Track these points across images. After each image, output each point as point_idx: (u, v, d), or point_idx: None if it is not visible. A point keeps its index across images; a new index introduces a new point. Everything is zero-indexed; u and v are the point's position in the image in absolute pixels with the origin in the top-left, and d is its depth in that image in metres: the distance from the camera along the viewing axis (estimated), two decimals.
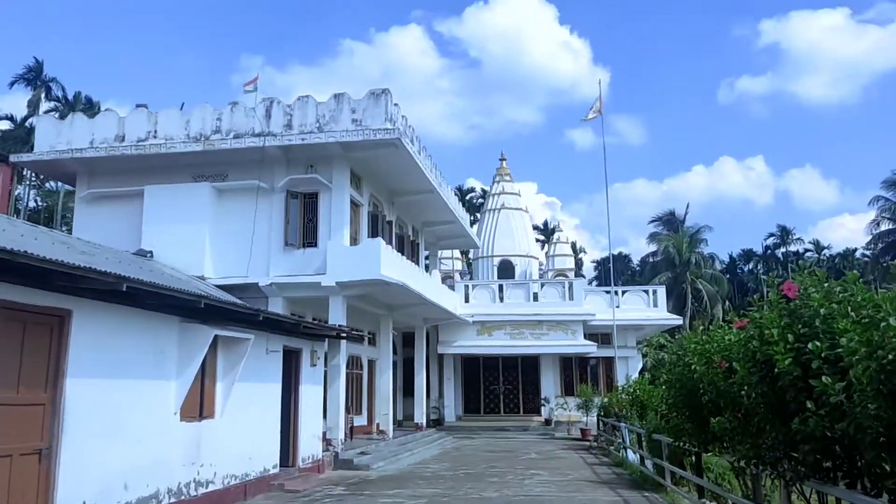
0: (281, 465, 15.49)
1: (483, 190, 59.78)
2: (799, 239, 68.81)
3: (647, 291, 32.66)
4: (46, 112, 29.99)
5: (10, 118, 38.17)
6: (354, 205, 20.60)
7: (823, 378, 4.47)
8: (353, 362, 23.91)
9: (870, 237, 54.17)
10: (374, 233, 20.37)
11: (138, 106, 19.25)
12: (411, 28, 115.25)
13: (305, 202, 19.30)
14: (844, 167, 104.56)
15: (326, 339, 18.03)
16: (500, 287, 30.61)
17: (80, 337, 9.59)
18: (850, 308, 4.66)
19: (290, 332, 15.40)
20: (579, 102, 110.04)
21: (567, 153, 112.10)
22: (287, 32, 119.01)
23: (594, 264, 77.53)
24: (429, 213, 26.87)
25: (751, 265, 74.48)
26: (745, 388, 6.16)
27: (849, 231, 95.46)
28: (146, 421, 10.95)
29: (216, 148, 18.49)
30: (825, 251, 67.73)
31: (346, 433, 20.73)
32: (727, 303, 62.99)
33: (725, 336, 7.66)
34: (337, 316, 18.35)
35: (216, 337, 12.49)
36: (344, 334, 17.89)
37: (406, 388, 28.97)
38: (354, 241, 19.46)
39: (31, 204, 40.95)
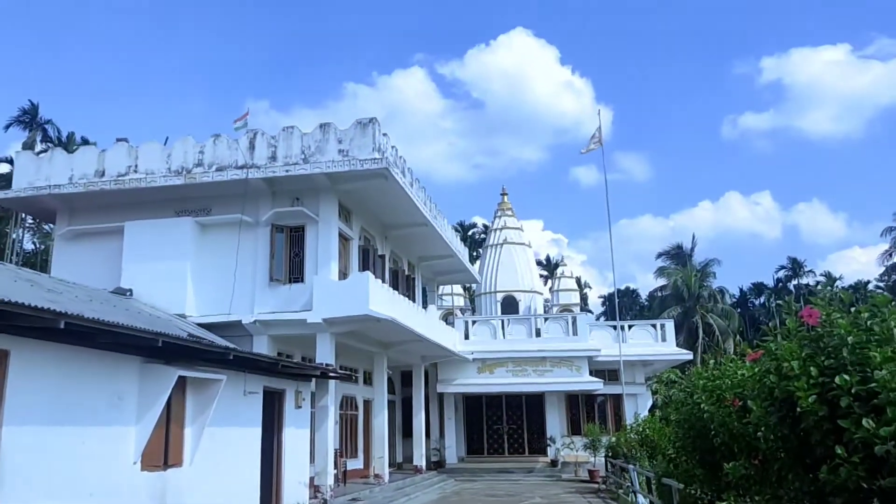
0: None
1: (485, 226, 58.80)
2: (811, 271, 67.49)
3: (654, 326, 31.43)
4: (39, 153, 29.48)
5: (9, 160, 37.82)
6: (344, 238, 19.76)
7: (864, 421, 3.44)
8: (348, 403, 22.85)
9: (882, 269, 52.83)
10: (364, 267, 19.46)
11: (119, 140, 18.55)
12: (413, 71, 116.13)
13: (291, 236, 18.49)
14: (852, 200, 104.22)
15: (313, 380, 17.05)
16: (502, 323, 29.53)
17: (20, 380, 8.65)
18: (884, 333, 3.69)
19: (270, 371, 14.43)
20: (583, 141, 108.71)
21: (572, 191, 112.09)
22: (291, 77, 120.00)
23: (601, 300, 76.24)
24: (424, 247, 26.01)
25: (762, 299, 73.05)
26: (762, 429, 5.15)
27: (859, 264, 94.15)
28: (100, 472, 9.95)
29: (198, 181, 17.74)
30: (837, 283, 66.26)
31: (338, 478, 19.58)
32: (738, 337, 61.69)
33: (738, 370, 6.78)
34: (325, 354, 17.37)
35: (183, 378, 11.53)
36: (332, 373, 16.87)
37: (405, 428, 27.79)
38: (344, 275, 18.57)
39: (29, 246, 40.38)
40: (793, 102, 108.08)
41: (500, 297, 35.98)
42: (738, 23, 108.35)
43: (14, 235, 35.68)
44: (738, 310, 65.84)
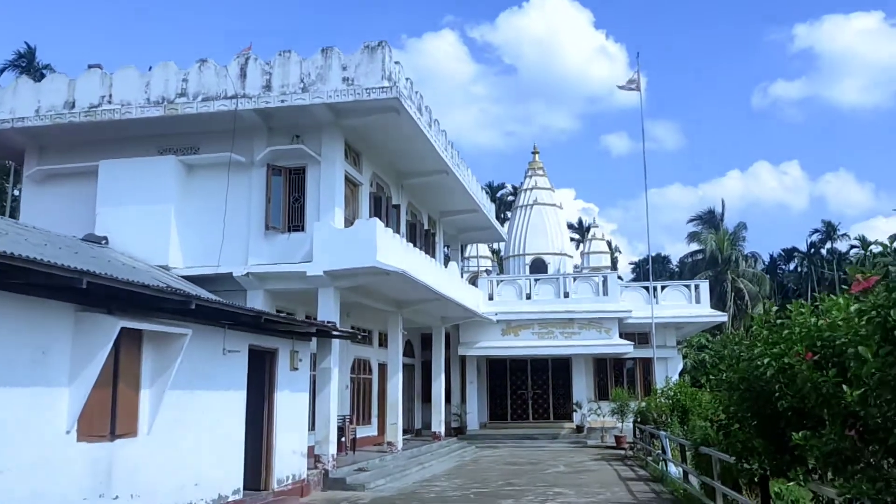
0: (249, 489, 12.14)
1: (514, 187, 56.01)
2: (845, 234, 63.58)
3: (688, 287, 28.92)
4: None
5: None
6: (351, 184, 17.32)
7: None
8: (361, 366, 20.70)
9: None
10: (376, 217, 16.93)
11: (91, 66, 16.08)
12: (444, 34, 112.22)
13: (291, 178, 16.09)
14: (879, 171, 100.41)
15: (314, 339, 14.72)
16: (529, 283, 27.10)
17: None
18: None
19: (257, 328, 12.04)
20: (616, 109, 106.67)
21: (603, 159, 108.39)
22: (319, 39, 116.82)
23: (631, 266, 73.64)
24: (445, 199, 23.56)
25: (793, 265, 69.43)
26: (877, 389, 4.04)
27: (882, 233, 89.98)
28: (19, 441, 7.64)
29: (179, 113, 15.34)
30: (871, 247, 62.34)
31: (346, 446, 17.35)
32: (768, 303, 58.78)
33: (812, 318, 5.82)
34: (327, 311, 15.04)
35: (135, 332, 9.16)
36: (334, 332, 14.49)
37: (425, 393, 25.67)
38: (350, 224, 16.07)
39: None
40: (824, 71, 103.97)
41: (528, 259, 33.76)
42: None
43: None
44: (768, 276, 62.63)
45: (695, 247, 59.71)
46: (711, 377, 34.07)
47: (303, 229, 15.75)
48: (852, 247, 62.44)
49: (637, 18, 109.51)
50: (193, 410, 10.49)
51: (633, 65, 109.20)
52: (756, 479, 8.01)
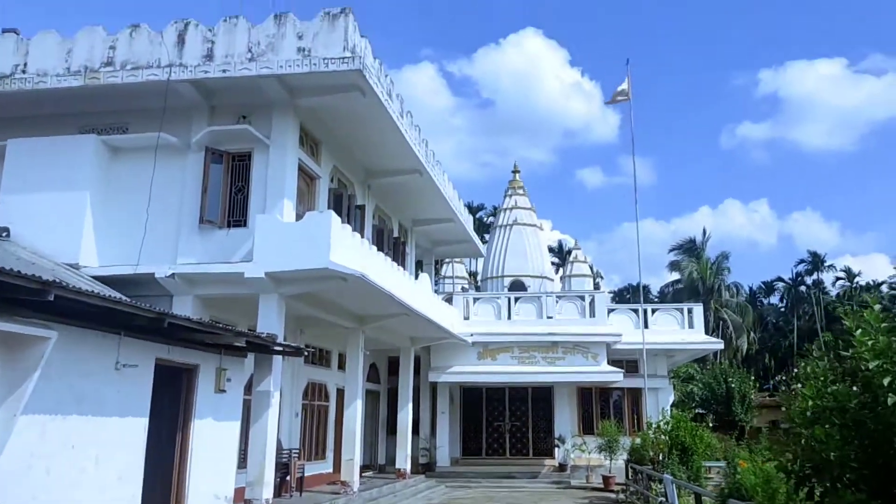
0: None
1: (494, 207, 54.10)
2: (831, 266, 62.06)
3: (680, 311, 26.83)
4: None
5: None
6: (307, 175, 15.01)
7: None
8: (316, 391, 18.24)
9: None
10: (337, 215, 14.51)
11: (6, 31, 13.57)
12: (423, 66, 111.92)
13: (233, 165, 13.73)
14: (844, 211, 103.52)
15: (252, 356, 12.14)
16: (508, 301, 24.84)
17: None
18: None
19: (168, 336, 9.45)
20: (591, 143, 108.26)
21: (578, 193, 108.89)
22: None
23: (611, 294, 71.94)
24: (418, 204, 21.39)
25: (774, 298, 67.89)
26: None
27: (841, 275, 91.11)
28: None
29: (102, 83, 12.92)
30: (856, 279, 60.82)
31: (289, 487, 14.63)
32: (751, 335, 57.04)
33: None
34: (269, 322, 12.55)
35: None
36: (275, 347, 11.95)
37: (391, 424, 23.07)
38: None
39: None
40: (789, 114, 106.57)
41: (507, 281, 31.67)
42: (738, 34, 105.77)
43: None
44: (750, 307, 60.99)
45: (676, 276, 58.35)
46: (700, 410, 31.58)
47: (245, 224, 13.34)
48: (837, 279, 61.07)
49: (610, 59, 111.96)
50: (65, 443, 7.83)
51: (607, 98, 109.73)
52: None
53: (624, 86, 24.31)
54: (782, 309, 66.53)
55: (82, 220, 12.88)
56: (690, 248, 57.46)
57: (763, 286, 70.01)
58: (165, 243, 13.16)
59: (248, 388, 12.45)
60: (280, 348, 12.23)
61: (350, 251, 13.06)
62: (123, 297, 9.71)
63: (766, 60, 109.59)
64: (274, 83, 12.96)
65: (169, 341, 9.66)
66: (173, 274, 12.63)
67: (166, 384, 9.96)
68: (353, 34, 12.92)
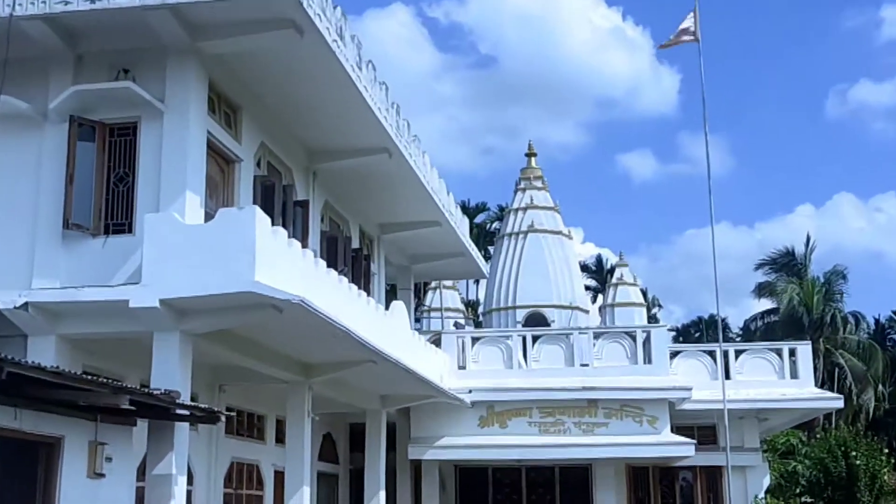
0: None
1: (501, 207, 54.51)
2: None
3: (777, 353, 27.20)
4: None
5: None
6: (220, 156, 15.20)
7: None
8: (245, 475, 18.56)
9: None
10: (266, 211, 14.66)
11: None
12: (394, 10, 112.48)
13: (112, 143, 13.76)
14: None
15: (146, 423, 12.26)
16: (523, 341, 25.22)
17: None
18: None
19: (12, 395, 9.36)
20: (639, 116, 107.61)
21: (621, 188, 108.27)
22: None
23: (673, 332, 72.56)
24: (388, 199, 22.03)
25: None
26: None
27: None
28: None
29: None
30: None
31: None
32: (880, 387, 57.20)
33: None
34: (169, 373, 12.58)
35: None
36: (180, 410, 11.93)
37: None
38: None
39: None
40: None
41: (521, 314, 32.81)
42: None
43: None
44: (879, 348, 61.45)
45: (767, 305, 58.58)
46: (808, 499, 31.74)
47: (130, 230, 13.42)
48: None
49: None
50: None
51: (662, 57, 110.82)
52: None
53: (689, 21, 24.48)
54: None
55: None
56: (788, 264, 57.69)
57: (895, 316, 70.68)
58: (14, 259, 13.25)
59: (142, 471, 12.45)
60: (185, 412, 12.21)
61: (287, 267, 13.08)
62: None
63: None
64: (167, 17, 12.93)
65: (15, 402, 9.52)
66: (26, 304, 12.59)
67: (13, 466, 9.87)
68: None
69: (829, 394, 28.70)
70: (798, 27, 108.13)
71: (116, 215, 13.53)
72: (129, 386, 11.35)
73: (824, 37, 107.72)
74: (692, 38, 24.37)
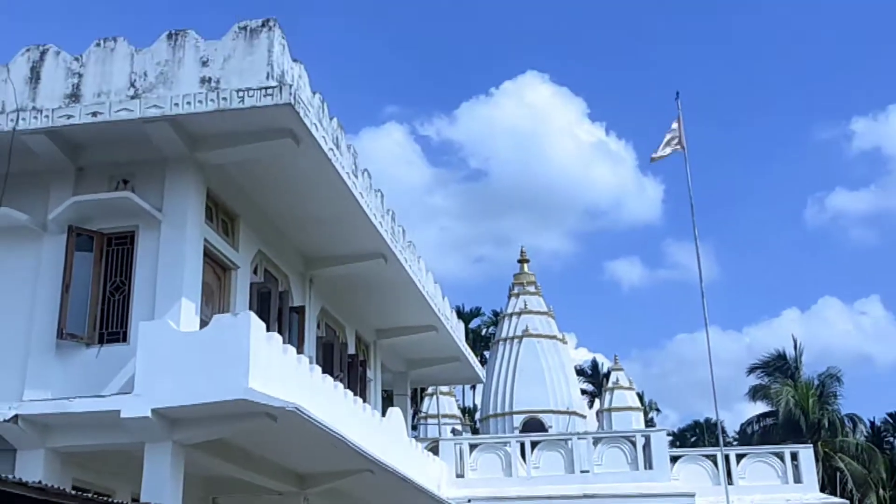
0: None
1: (495, 313, 54.28)
2: None
3: (779, 456, 26.71)
4: None
5: None
6: (217, 264, 15.07)
7: None
8: None
9: None
10: (263, 319, 14.42)
11: None
12: (389, 129, 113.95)
13: (109, 252, 13.71)
14: None
15: None
16: (521, 448, 24.73)
17: None
18: None
19: None
20: (625, 225, 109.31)
21: (610, 295, 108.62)
22: None
23: (670, 437, 71.70)
24: (384, 305, 21.75)
25: None
26: None
27: None
28: None
29: None
30: None
31: None
32: (881, 492, 56.07)
33: None
34: (159, 486, 12.19)
35: None
36: None
37: None
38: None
39: None
40: None
41: (518, 420, 32.84)
42: (820, 73, 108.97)
43: None
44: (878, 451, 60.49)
45: (762, 408, 57.80)
46: None
47: (124, 339, 13.22)
48: None
49: (646, 111, 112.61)
50: None
51: (645, 169, 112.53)
52: None
53: (674, 131, 24.74)
54: None
55: None
56: (780, 367, 56.98)
57: (890, 419, 69.61)
58: (6, 371, 13.01)
59: None
60: None
61: (281, 373, 12.84)
62: None
63: (861, 106, 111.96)
64: (167, 129, 13.03)
65: None
66: (16, 416, 12.23)
67: None
68: (281, 56, 13.17)
69: (835, 499, 27.86)
70: (775, 137, 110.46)
71: (111, 324, 13.37)
72: (116, 501, 10.98)
73: (800, 147, 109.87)
74: (678, 146, 24.64)
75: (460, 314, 56.97)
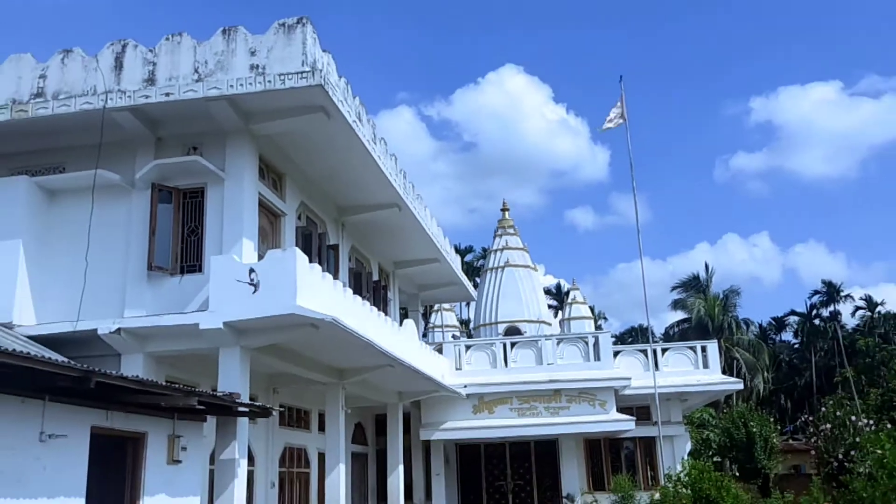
0: None
1: (484, 249, 53.48)
2: (848, 296, 61.06)
3: (693, 349, 26.06)
4: None
5: None
6: (270, 213, 14.32)
7: None
8: (295, 457, 17.20)
9: None
10: (307, 256, 13.74)
11: None
12: (401, 111, 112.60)
13: (185, 203, 12.94)
14: (849, 241, 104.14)
15: (212, 419, 11.21)
16: (504, 347, 23.98)
17: None
18: None
19: (104, 400, 8.48)
20: (581, 182, 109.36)
21: (569, 235, 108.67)
22: None
23: (613, 339, 71.10)
24: (399, 244, 20.73)
25: (785, 335, 67.15)
26: None
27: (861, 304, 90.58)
28: None
29: (31, 116, 12.24)
30: (878, 308, 59.91)
31: None
32: (765, 374, 55.99)
33: None
34: (231, 379, 11.64)
35: None
36: (239, 408, 10.98)
37: (380, 490, 21.92)
38: None
39: None
40: (784, 142, 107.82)
41: (502, 328, 31.44)
42: (727, 62, 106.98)
43: None
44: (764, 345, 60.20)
45: (680, 315, 57.53)
46: (718, 458, 30.46)
47: (200, 270, 12.52)
48: (857, 308, 60.26)
49: (596, 93, 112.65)
50: None
51: (596, 139, 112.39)
52: None
53: (618, 107, 23.82)
54: (796, 346, 65.67)
55: (15, 272, 12.04)
56: (695, 285, 56.73)
57: (774, 322, 69.21)
58: (110, 295, 12.30)
59: (212, 458, 11.53)
60: (244, 409, 11.24)
61: (321, 294, 12.19)
62: (60, 358, 8.74)
63: (758, 87, 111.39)
64: (225, 106, 12.26)
65: (107, 406, 8.68)
66: (119, 329, 11.61)
67: (107, 457, 9.03)
68: (313, 47, 12.30)
69: (732, 379, 27.56)
70: (692, 114, 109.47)
71: (189, 259, 12.72)
72: (198, 389, 10.49)
73: (711, 120, 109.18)
74: (622, 120, 23.71)
75: (458, 250, 56.13)
